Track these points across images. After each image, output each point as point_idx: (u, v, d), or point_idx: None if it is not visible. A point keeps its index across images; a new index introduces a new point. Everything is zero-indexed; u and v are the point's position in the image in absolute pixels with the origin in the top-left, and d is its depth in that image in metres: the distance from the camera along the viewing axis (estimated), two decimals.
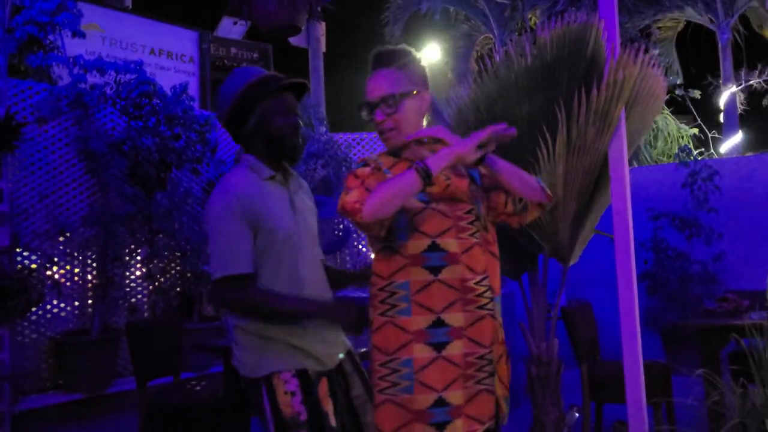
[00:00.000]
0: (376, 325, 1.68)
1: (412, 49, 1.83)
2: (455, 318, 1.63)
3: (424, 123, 1.82)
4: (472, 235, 1.70)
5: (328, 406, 1.80)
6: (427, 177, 1.55)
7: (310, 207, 2.01)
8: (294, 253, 1.86)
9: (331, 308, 1.80)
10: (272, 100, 1.87)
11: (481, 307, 1.66)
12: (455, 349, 1.62)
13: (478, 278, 1.68)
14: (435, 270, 1.64)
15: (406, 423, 1.60)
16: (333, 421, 1.79)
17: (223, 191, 1.82)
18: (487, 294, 1.68)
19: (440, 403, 1.59)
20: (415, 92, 1.74)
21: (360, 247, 6.37)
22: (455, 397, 1.60)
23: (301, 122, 1.96)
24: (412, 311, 1.63)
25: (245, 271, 1.77)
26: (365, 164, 1.73)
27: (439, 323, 1.62)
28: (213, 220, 1.80)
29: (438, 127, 1.73)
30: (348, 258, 6.28)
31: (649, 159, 8.85)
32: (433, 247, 1.65)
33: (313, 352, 1.82)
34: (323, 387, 1.81)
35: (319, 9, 6.48)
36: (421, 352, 1.61)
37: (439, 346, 1.61)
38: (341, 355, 1.93)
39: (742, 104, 10.57)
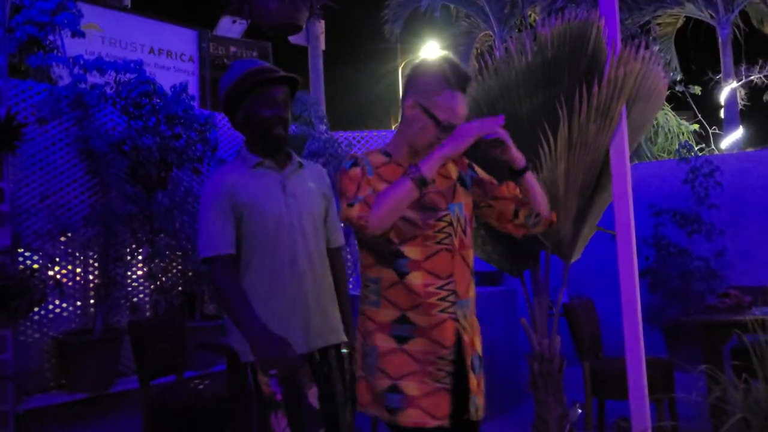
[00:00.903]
0: (360, 311, 1.82)
1: None
2: (420, 318, 1.72)
3: None
4: (440, 241, 1.75)
5: (310, 389, 1.90)
6: (422, 184, 1.62)
7: (311, 189, 2.05)
8: (281, 237, 1.93)
9: (265, 346, 1.77)
10: (260, 92, 1.96)
11: (442, 311, 1.73)
12: (417, 345, 1.71)
13: (441, 283, 1.73)
14: (401, 274, 1.73)
15: (371, 401, 1.74)
16: (315, 404, 1.89)
17: (210, 181, 1.98)
18: (450, 298, 1.73)
19: (394, 389, 1.69)
20: None
21: (349, 255, 6.36)
22: (410, 388, 1.69)
23: (288, 114, 2.02)
24: (380, 304, 1.74)
25: (217, 253, 1.89)
26: (355, 163, 1.75)
27: (403, 319, 1.72)
28: (199, 206, 1.99)
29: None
30: (349, 256, 6.28)
31: (649, 155, 8.85)
32: (398, 254, 1.73)
33: (293, 336, 1.87)
34: (305, 371, 1.90)
35: (318, 7, 6.49)
36: (384, 341, 1.73)
37: (401, 339, 1.72)
38: (323, 345, 1.99)
39: (742, 100, 10.56)
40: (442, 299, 1.72)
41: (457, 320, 1.74)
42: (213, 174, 2.00)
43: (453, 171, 1.86)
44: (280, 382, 1.86)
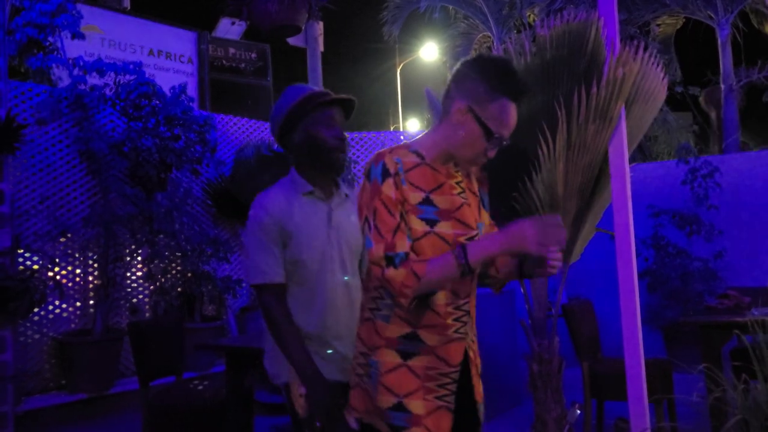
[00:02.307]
0: (364, 317, 1.69)
1: None
2: (431, 337, 1.63)
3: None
4: None
5: (348, 412, 1.84)
6: (468, 271, 1.52)
7: (353, 223, 2.01)
8: (321, 273, 1.94)
9: (312, 387, 1.84)
10: (318, 113, 1.96)
11: (456, 331, 1.65)
12: (421, 361, 1.62)
13: (460, 303, 1.66)
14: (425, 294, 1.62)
15: (370, 411, 1.65)
16: (355, 424, 1.82)
17: (258, 204, 1.96)
18: (464, 318, 1.67)
19: (399, 407, 1.60)
20: None
21: None
22: (416, 406, 1.61)
23: (346, 136, 2.01)
24: (390, 319, 1.62)
25: (269, 281, 1.91)
26: (386, 171, 1.58)
27: (413, 336, 1.62)
28: (247, 233, 1.98)
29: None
30: None
31: (649, 155, 8.87)
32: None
33: (331, 362, 1.92)
34: (338, 394, 1.87)
35: (317, 9, 6.48)
36: (389, 357, 1.62)
37: (406, 355, 1.61)
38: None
39: (741, 101, 10.57)
40: (457, 319, 1.65)
41: (464, 340, 1.67)
42: (262, 197, 1.97)
43: (476, 187, 1.80)
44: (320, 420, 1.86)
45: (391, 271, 1.51)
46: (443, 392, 1.65)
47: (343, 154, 1.99)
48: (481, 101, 1.58)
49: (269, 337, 1.96)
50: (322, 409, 1.82)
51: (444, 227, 1.61)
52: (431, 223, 1.59)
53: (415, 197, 1.59)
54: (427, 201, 1.60)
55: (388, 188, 1.56)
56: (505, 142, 1.63)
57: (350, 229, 2.00)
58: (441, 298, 1.62)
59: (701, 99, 10.89)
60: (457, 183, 1.69)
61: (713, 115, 11.13)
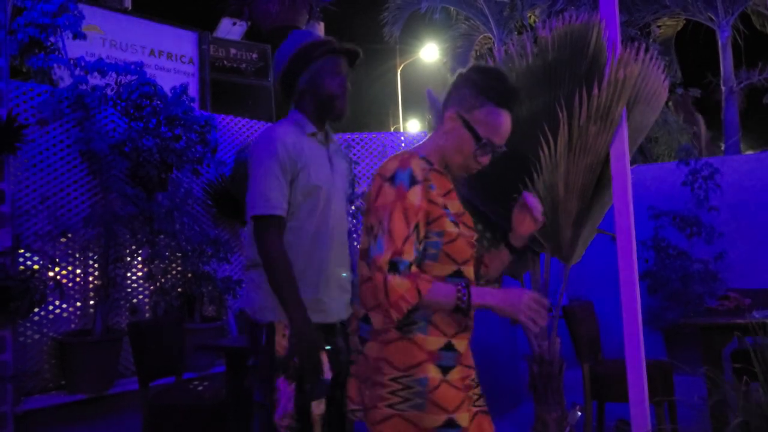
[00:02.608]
0: (390, 338, 1.62)
1: None
2: (461, 344, 1.65)
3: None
4: (475, 258, 1.75)
5: (323, 356, 1.86)
6: (467, 309, 1.56)
7: (345, 169, 2.10)
8: (327, 207, 1.95)
9: (301, 330, 1.81)
10: (325, 61, 1.97)
11: (471, 332, 1.70)
12: (456, 373, 1.62)
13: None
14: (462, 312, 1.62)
15: None
16: (328, 374, 1.84)
17: (268, 138, 1.92)
18: (471, 317, 1.70)
19: (450, 424, 1.57)
20: None
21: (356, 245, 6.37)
22: (463, 419, 1.60)
23: (349, 85, 2.03)
24: (428, 331, 1.60)
25: (275, 213, 1.87)
26: (414, 179, 1.58)
27: (449, 347, 1.62)
28: (255, 162, 1.91)
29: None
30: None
31: (649, 157, 8.87)
32: (457, 274, 1.65)
33: (319, 305, 1.91)
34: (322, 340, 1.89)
35: (318, 9, 6.49)
36: (434, 372, 1.59)
37: (445, 370, 1.61)
38: (341, 319, 2.01)
39: (742, 103, 10.57)
40: (472, 320, 1.68)
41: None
42: (274, 130, 1.93)
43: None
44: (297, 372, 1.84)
45: (394, 279, 1.51)
46: (475, 397, 1.68)
47: (344, 103, 2.00)
48: (470, 107, 1.63)
49: (256, 272, 1.93)
50: (305, 354, 1.79)
51: (463, 230, 1.65)
52: (456, 225, 1.63)
53: (441, 200, 1.62)
54: (445, 205, 1.63)
55: (414, 195, 1.56)
56: (498, 149, 1.66)
57: (343, 176, 2.07)
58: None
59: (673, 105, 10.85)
60: (455, 189, 1.75)
61: (714, 116, 11.12)
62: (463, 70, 1.73)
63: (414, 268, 1.55)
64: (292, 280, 1.84)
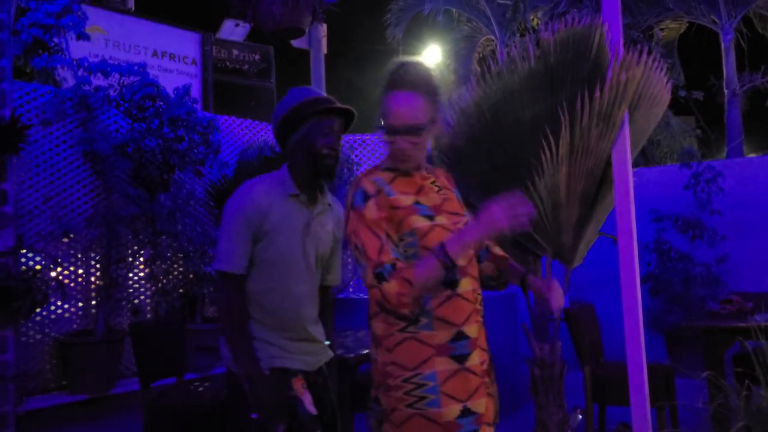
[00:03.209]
0: (395, 342, 1.65)
1: (431, 66, 1.81)
2: (472, 329, 1.66)
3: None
4: None
5: (305, 396, 1.90)
6: (452, 266, 1.56)
7: (327, 233, 2.06)
8: (287, 274, 1.96)
9: (255, 385, 1.86)
10: (316, 120, 1.97)
11: (481, 315, 1.71)
12: (474, 359, 1.65)
13: (478, 285, 1.74)
14: (452, 284, 1.65)
15: None
16: (312, 410, 1.89)
17: (242, 193, 1.94)
18: (481, 300, 1.73)
19: (466, 412, 1.60)
20: (437, 119, 1.73)
21: (350, 260, 6.37)
22: (479, 405, 1.63)
23: (339, 147, 2.03)
24: (434, 326, 1.63)
25: (233, 271, 1.91)
26: (366, 196, 1.65)
27: (460, 336, 1.64)
28: (225, 215, 1.95)
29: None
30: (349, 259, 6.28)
31: (651, 160, 8.86)
32: None
33: (297, 355, 1.95)
34: (299, 381, 1.93)
35: (321, 11, 6.49)
36: (444, 365, 1.62)
37: (461, 359, 1.63)
38: (317, 366, 2.05)
39: (745, 106, 10.55)
40: (481, 303, 1.71)
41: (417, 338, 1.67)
42: (249, 187, 1.95)
43: (451, 185, 1.87)
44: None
45: (386, 286, 1.55)
46: (489, 380, 1.71)
47: (333, 163, 1.99)
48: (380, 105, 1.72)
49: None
50: (264, 403, 1.84)
51: (441, 220, 1.69)
52: (430, 218, 1.66)
53: (408, 199, 1.67)
54: (417, 202, 1.68)
55: (369, 210, 1.63)
56: (401, 129, 1.68)
57: (325, 237, 2.05)
58: (467, 284, 1.67)
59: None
60: (432, 183, 1.77)
61: (716, 119, 11.11)
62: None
63: (399, 264, 1.58)
64: (244, 335, 1.90)
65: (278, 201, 1.94)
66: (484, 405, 1.64)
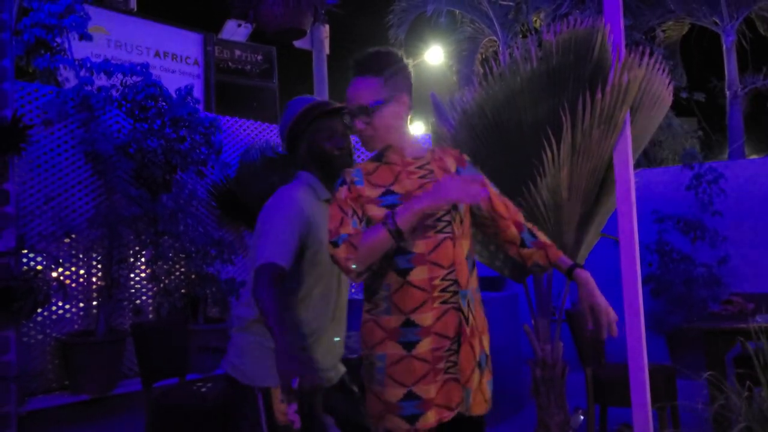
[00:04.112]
0: (364, 320, 1.79)
1: (393, 50, 1.85)
2: (423, 318, 1.70)
3: (406, 124, 1.86)
4: (441, 230, 1.74)
5: (326, 418, 1.89)
6: (398, 236, 1.62)
7: None
8: (336, 279, 1.99)
9: (305, 368, 1.72)
10: (318, 125, 2.00)
11: (445, 302, 1.72)
12: (424, 346, 1.69)
13: (444, 273, 1.72)
14: (403, 272, 1.71)
15: (380, 413, 1.71)
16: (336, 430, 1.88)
17: (288, 197, 1.94)
18: (452, 288, 1.73)
19: (410, 396, 1.67)
20: (392, 98, 1.78)
21: None
22: (426, 391, 1.68)
23: (349, 143, 2.05)
24: (391, 311, 1.72)
25: (282, 264, 1.82)
26: (343, 181, 1.77)
27: (408, 323, 1.70)
28: (273, 217, 1.90)
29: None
30: None
31: (653, 161, 8.85)
32: (399, 251, 1.70)
33: (329, 365, 1.95)
34: (319, 401, 1.89)
35: (323, 12, 6.49)
36: (393, 349, 1.70)
37: (408, 346, 1.69)
38: (335, 377, 2.05)
39: (747, 107, 10.55)
40: (445, 290, 1.71)
41: (459, 310, 1.72)
42: (294, 191, 1.95)
43: (452, 165, 1.87)
44: (297, 409, 1.82)
45: (335, 251, 1.65)
46: (448, 365, 1.72)
47: (348, 160, 2.01)
48: (403, 88, 1.84)
49: (245, 337, 1.93)
50: (313, 389, 1.72)
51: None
52: (394, 206, 1.69)
53: (374, 192, 1.74)
54: (388, 192, 1.74)
55: (340, 192, 1.75)
56: (353, 112, 1.80)
57: None
58: (421, 272, 1.69)
59: None
60: (419, 167, 1.81)
61: (718, 120, 11.10)
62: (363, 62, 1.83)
63: (354, 232, 1.67)
64: (276, 322, 1.79)
65: (316, 204, 1.96)
66: (434, 390, 1.68)
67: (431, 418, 1.67)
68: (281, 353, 1.66)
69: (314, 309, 1.94)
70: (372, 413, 1.75)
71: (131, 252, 4.86)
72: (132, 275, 5.06)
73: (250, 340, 1.92)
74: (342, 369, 2.10)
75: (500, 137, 2.68)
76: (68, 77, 5.26)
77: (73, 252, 4.73)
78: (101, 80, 4.83)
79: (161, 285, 5.03)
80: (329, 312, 1.98)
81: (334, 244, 1.66)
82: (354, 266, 1.63)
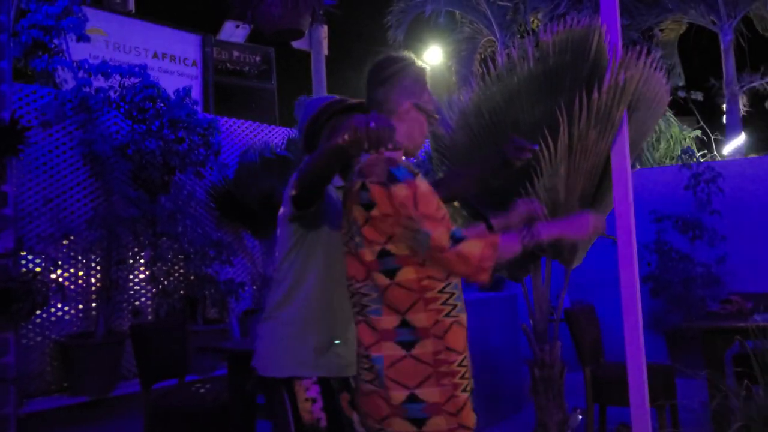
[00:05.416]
0: (355, 321, 1.74)
1: (407, 55, 1.85)
2: (418, 318, 1.64)
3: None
4: None
5: (353, 415, 1.83)
6: (528, 248, 1.67)
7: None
8: (335, 256, 1.90)
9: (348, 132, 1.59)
10: (336, 121, 2.00)
11: (447, 315, 1.66)
12: (424, 347, 1.64)
13: (434, 274, 1.66)
14: (390, 273, 1.65)
15: (387, 415, 1.64)
16: (360, 429, 1.81)
17: None
18: (451, 301, 1.67)
19: (412, 399, 1.61)
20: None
21: None
22: (430, 394, 1.62)
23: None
24: (382, 312, 1.66)
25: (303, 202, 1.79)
26: (411, 171, 1.64)
27: (404, 324, 1.65)
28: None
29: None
30: None
31: (651, 161, 8.86)
32: (383, 253, 1.65)
33: (335, 357, 1.87)
34: (345, 397, 1.86)
35: (321, 12, 6.49)
36: (389, 350, 1.64)
37: (407, 345, 1.64)
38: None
39: (744, 106, 10.56)
40: (443, 298, 1.66)
41: (463, 327, 1.69)
42: None
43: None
44: (324, 406, 1.79)
45: (465, 246, 1.56)
46: (460, 379, 1.65)
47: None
48: (418, 93, 1.79)
49: (275, 323, 1.91)
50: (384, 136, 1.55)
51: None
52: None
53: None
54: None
55: (423, 183, 1.64)
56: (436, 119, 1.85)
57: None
58: (409, 273, 1.64)
59: None
60: None
61: (716, 120, 11.11)
62: (377, 64, 1.85)
63: (466, 232, 1.61)
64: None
65: (331, 189, 1.99)
66: (439, 394, 1.62)
67: (440, 425, 1.63)
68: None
69: (318, 293, 1.90)
70: (377, 416, 1.66)
71: (130, 253, 4.86)
72: (131, 276, 5.06)
73: (274, 328, 1.90)
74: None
75: (498, 137, 2.69)
76: (66, 79, 5.26)
77: (72, 253, 4.73)
78: (99, 82, 4.84)
79: (160, 286, 5.03)
80: (339, 296, 1.91)
81: (455, 239, 1.57)
82: (490, 266, 1.58)
